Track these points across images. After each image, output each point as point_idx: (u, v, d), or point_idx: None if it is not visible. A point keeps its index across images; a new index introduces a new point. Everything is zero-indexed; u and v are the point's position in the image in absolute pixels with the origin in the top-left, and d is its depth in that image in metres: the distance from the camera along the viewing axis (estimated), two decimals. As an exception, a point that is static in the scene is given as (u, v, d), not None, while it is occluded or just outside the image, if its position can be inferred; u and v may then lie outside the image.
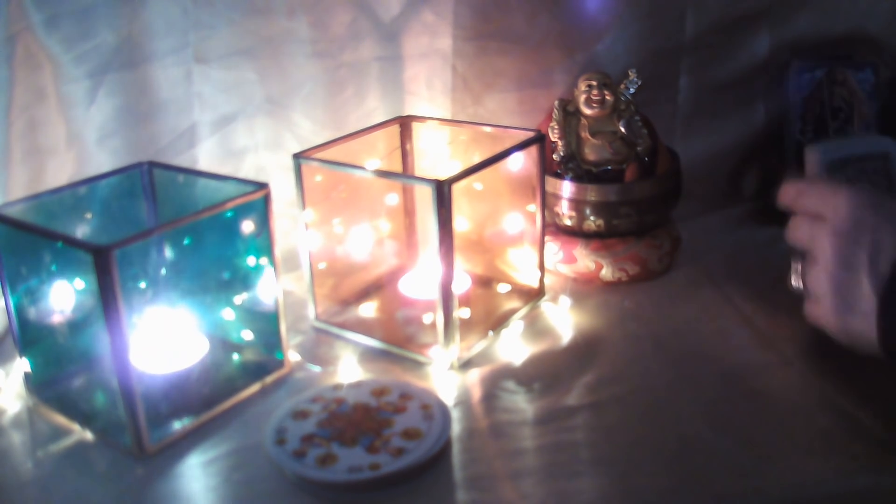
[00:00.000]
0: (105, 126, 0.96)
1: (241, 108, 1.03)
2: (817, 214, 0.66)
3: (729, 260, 1.02)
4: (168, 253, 0.82)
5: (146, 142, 0.99)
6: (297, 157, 0.85)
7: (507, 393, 0.78)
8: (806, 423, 0.71)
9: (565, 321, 0.90)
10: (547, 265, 0.96)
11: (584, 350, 0.84)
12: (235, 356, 0.84)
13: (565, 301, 0.94)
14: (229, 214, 0.76)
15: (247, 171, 1.06)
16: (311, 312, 0.91)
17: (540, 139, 0.88)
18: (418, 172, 0.99)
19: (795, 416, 0.72)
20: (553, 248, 0.99)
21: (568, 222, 0.98)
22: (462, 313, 0.86)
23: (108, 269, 0.64)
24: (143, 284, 0.82)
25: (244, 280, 0.81)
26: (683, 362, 0.81)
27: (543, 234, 0.92)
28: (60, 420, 0.75)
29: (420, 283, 0.94)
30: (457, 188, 0.77)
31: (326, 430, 0.70)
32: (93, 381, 0.79)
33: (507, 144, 0.87)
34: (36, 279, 0.74)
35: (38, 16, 0.89)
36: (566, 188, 0.97)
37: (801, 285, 0.70)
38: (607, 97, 0.97)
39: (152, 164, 0.84)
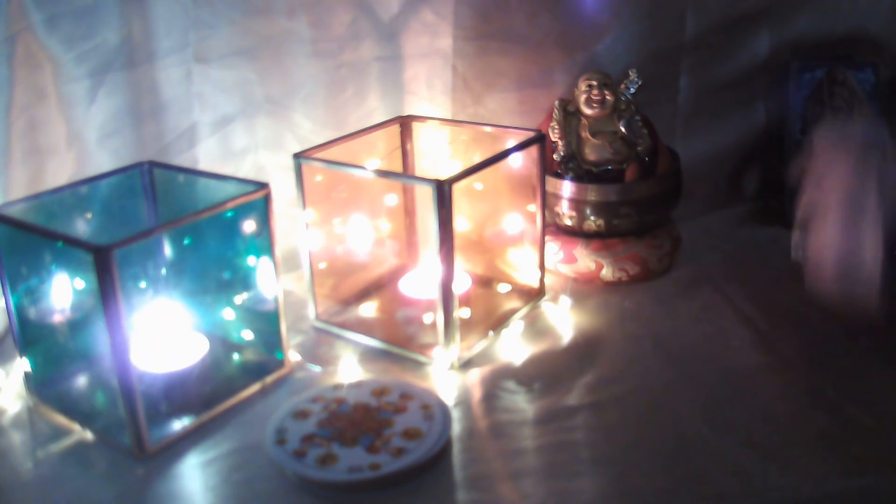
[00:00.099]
0: (105, 126, 0.96)
1: (242, 108, 1.03)
2: (823, 173, 0.66)
3: (729, 260, 1.02)
4: (168, 253, 0.82)
5: (146, 142, 0.99)
6: (298, 156, 0.85)
7: (507, 393, 0.78)
8: (806, 423, 0.71)
9: (565, 321, 0.90)
10: (547, 265, 0.96)
11: (584, 350, 0.84)
12: (235, 356, 0.84)
13: (565, 301, 0.94)
14: (229, 214, 0.76)
15: (247, 171, 1.06)
16: (311, 312, 0.91)
17: (540, 139, 0.88)
18: (418, 172, 0.99)
19: (795, 416, 0.72)
20: (553, 248, 0.99)
21: (568, 222, 0.98)
22: (462, 313, 0.86)
23: (108, 268, 0.64)
24: (143, 284, 0.82)
25: (244, 280, 0.81)
26: (683, 362, 0.81)
27: (544, 234, 0.92)
28: (60, 420, 0.75)
29: (420, 283, 0.94)
30: (457, 188, 0.77)
31: (327, 430, 0.70)
32: (93, 380, 0.79)
33: (508, 144, 0.87)
34: (36, 279, 0.74)
35: (39, 16, 0.89)
36: (566, 188, 0.97)
37: (801, 256, 0.70)
38: (607, 97, 0.97)
39: (152, 164, 0.84)
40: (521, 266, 0.96)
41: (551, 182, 0.97)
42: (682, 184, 1.01)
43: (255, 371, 0.81)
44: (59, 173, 0.95)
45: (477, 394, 0.78)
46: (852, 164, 0.63)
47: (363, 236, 0.96)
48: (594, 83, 0.98)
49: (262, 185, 0.76)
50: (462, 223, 0.97)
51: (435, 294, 0.80)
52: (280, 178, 1.03)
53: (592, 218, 0.96)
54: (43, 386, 0.79)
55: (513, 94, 1.09)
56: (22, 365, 0.78)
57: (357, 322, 0.91)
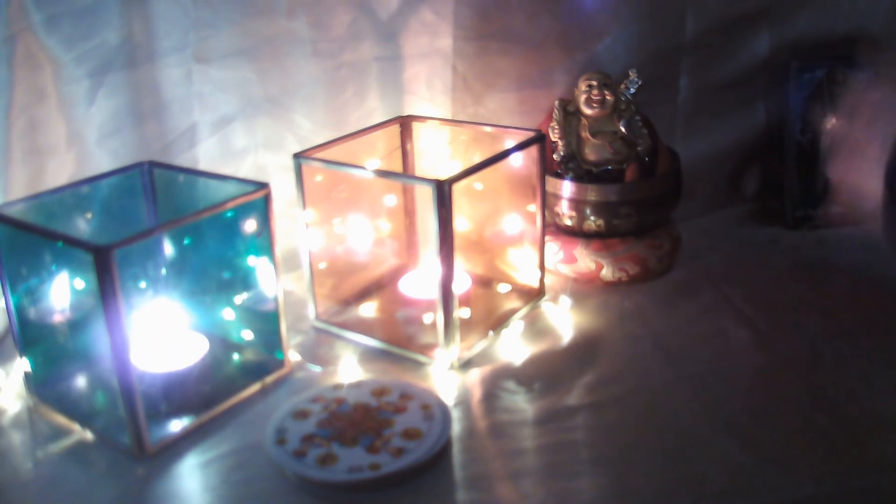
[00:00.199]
0: (105, 126, 0.96)
1: (241, 108, 1.03)
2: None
3: (729, 260, 1.02)
4: (168, 253, 0.82)
5: (146, 142, 0.99)
6: (298, 157, 0.85)
7: (507, 393, 0.78)
8: (805, 423, 0.71)
9: (565, 321, 0.90)
10: (547, 265, 0.96)
11: (583, 350, 0.84)
12: (235, 356, 0.84)
13: (565, 301, 0.94)
14: (229, 214, 0.76)
15: (247, 171, 1.06)
16: (311, 312, 0.91)
17: (540, 139, 0.88)
18: (418, 172, 0.99)
19: (795, 416, 0.72)
20: (553, 248, 0.99)
21: (568, 222, 0.98)
22: (462, 313, 0.86)
23: (108, 268, 0.64)
24: (143, 284, 0.82)
25: (244, 280, 0.81)
26: (683, 362, 0.81)
27: (544, 234, 0.92)
28: (60, 420, 0.75)
29: (420, 283, 0.94)
30: (457, 188, 0.77)
31: (326, 430, 0.70)
32: (93, 380, 0.79)
33: (508, 144, 0.87)
34: (36, 279, 0.74)
35: (38, 16, 0.89)
36: (566, 188, 0.97)
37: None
38: (607, 97, 0.97)
39: (152, 164, 0.84)
40: (521, 266, 0.96)
41: (551, 182, 0.97)
42: (681, 184, 1.01)
43: (255, 371, 0.81)
44: (59, 173, 0.95)
45: (477, 394, 0.78)
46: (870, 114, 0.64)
47: (363, 236, 0.96)
48: (594, 83, 0.98)
49: (262, 185, 0.76)
50: (462, 223, 0.97)
51: (435, 294, 0.80)
52: (280, 178, 1.03)
53: (592, 218, 0.96)
54: (43, 386, 0.79)
55: (513, 94, 1.09)
56: (22, 365, 0.78)
57: (357, 322, 0.91)
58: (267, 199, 0.76)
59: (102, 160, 0.96)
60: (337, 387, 0.77)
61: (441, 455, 0.68)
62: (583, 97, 0.98)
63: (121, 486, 0.67)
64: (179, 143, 1.01)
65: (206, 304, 0.84)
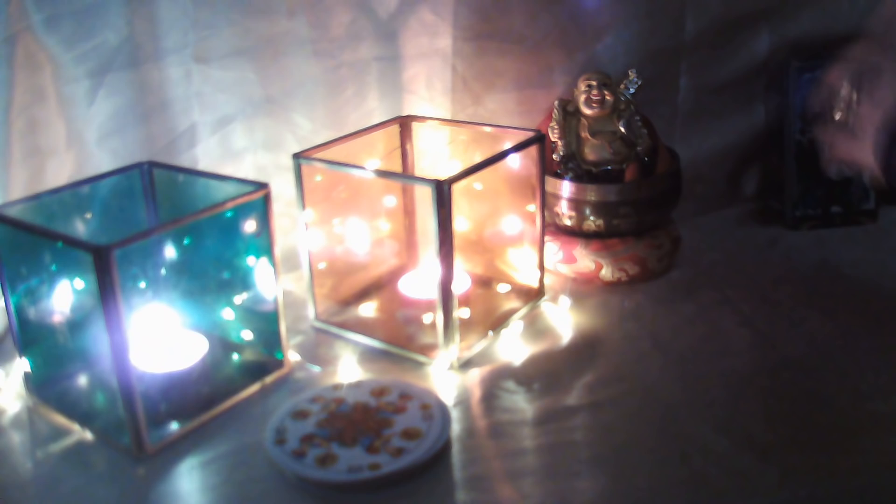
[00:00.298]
0: (105, 126, 0.96)
1: (241, 108, 1.03)
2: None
3: (729, 260, 1.02)
4: (168, 253, 0.82)
5: (146, 142, 0.99)
6: (297, 157, 0.85)
7: (507, 393, 0.78)
8: (805, 423, 0.71)
9: (565, 321, 0.90)
10: (547, 265, 0.96)
11: (583, 350, 0.84)
12: (235, 356, 0.84)
13: (565, 301, 0.94)
14: (229, 214, 0.76)
15: (247, 171, 1.06)
16: (310, 312, 0.91)
17: (540, 139, 0.88)
18: (418, 172, 0.99)
19: (795, 416, 0.72)
20: (553, 248, 0.99)
21: (568, 222, 0.98)
22: (462, 313, 0.86)
23: (107, 268, 0.64)
24: (142, 284, 0.82)
25: (244, 280, 0.81)
26: (683, 362, 0.81)
27: (543, 234, 0.92)
28: (60, 420, 0.75)
29: (420, 283, 0.94)
30: (457, 188, 0.77)
31: (326, 430, 0.70)
32: (92, 380, 0.79)
33: (507, 144, 0.87)
34: (36, 279, 0.74)
35: (38, 16, 0.89)
36: (566, 188, 0.97)
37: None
38: (607, 97, 0.97)
39: (152, 164, 0.84)
40: (521, 266, 0.96)
41: (551, 182, 0.97)
42: (681, 184, 1.01)
43: (255, 371, 0.81)
44: (59, 173, 0.95)
45: (476, 394, 0.78)
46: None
47: (363, 236, 0.96)
48: (594, 83, 0.97)
49: (262, 185, 0.76)
50: (462, 223, 0.97)
51: (435, 294, 0.80)
52: (280, 178, 1.03)
53: (592, 218, 0.96)
54: (43, 386, 0.79)
55: (512, 95, 1.08)
56: (22, 365, 0.78)
57: (357, 322, 0.91)
58: (266, 199, 0.76)
59: (102, 160, 0.96)
60: (336, 387, 0.77)
61: (440, 455, 0.68)
62: (582, 97, 0.98)
63: (121, 486, 0.67)
64: (179, 143, 1.01)
65: (205, 305, 0.84)
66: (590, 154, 0.98)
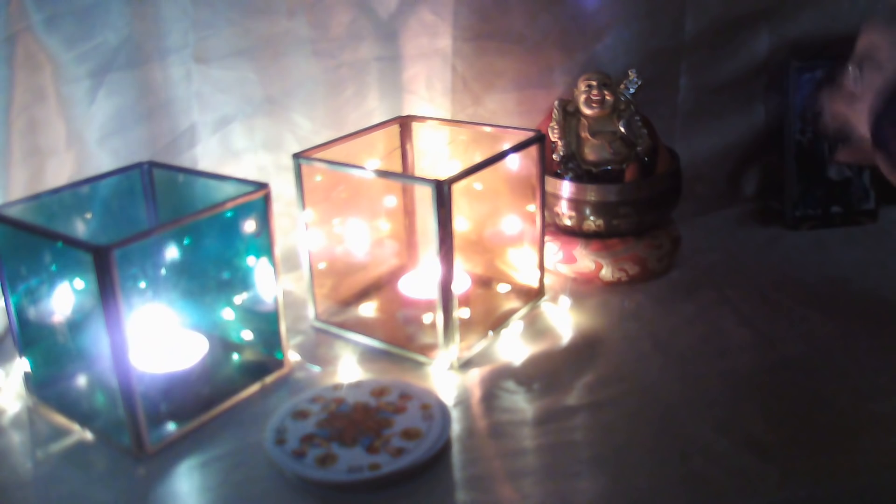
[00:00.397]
0: (105, 126, 0.96)
1: (241, 108, 1.03)
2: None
3: (729, 260, 1.02)
4: (168, 253, 0.82)
5: (146, 142, 0.99)
6: (297, 157, 0.85)
7: (507, 393, 0.78)
8: (805, 423, 0.71)
9: (565, 321, 0.90)
10: (547, 265, 0.96)
11: (583, 350, 0.84)
12: (235, 356, 0.84)
13: (565, 301, 0.93)
14: (229, 214, 0.76)
15: (247, 171, 1.06)
16: (310, 312, 0.91)
17: (540, 139, 0.88)
18: (418, 172, 0.99)
19: (795, 416, 0.72)
20: (553, 248, 0.99)
21: (568, 222, 0.98)
22: (462, 313, 0.86)
23: (107, 268, 0.64)
24: (142, 284, 0.82)
25: (244, 280, 0.81)
26: (683, 362, 0.81)
27: (543, 234, 0.92)
28: (60, 420, 0.75)
29: (420, 283, 0.94)
30: (457, 188, 0.77)
31: (326, 430, 0.70)
32: (92, 380, 0.79)
33: (507, 144, 0.87)
34: (36, 279, 0.74)
35: (38, 16, 0.89)
36: (566, 188, 0.97)
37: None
38: (607, 97, 0.97)
39: (152, 164, 0.84)
40: (521, 266, 0.96)
41: (551, 182, 0.97)
42: (681, 184, 1.01)
43: (255, 371, 0.81)
44: (59, 173, 0.95)
45: (476, 394, 0.78)
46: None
47: (363, 236, 0.96)
48: (594, 83, 0.98)
49: (262, 185, 0.76)
50: (462, 223, 0.97)
51: (434, 294, 0.80)
52: (280, 178, 1.03)
53: (592, 218, 0.96)
54: (43, 386, 0.79)
55: (512, 95, 1.09)
56: (22, 365, 0.78)
57: (357, 322, 0.91)
58: (266, 200, 0.76)
59: (102, 160, 0.96)
60: (336, 387, 0.77)
61: (441, 455, 0.68)
62: (582, 97, 0.98)
63: (121, 486, 0.67)
64: (179, 143, 1.01)
65: (205, 305, 0.84)
66: (590, 154, 0.98)
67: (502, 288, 0.97)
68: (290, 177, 0.86)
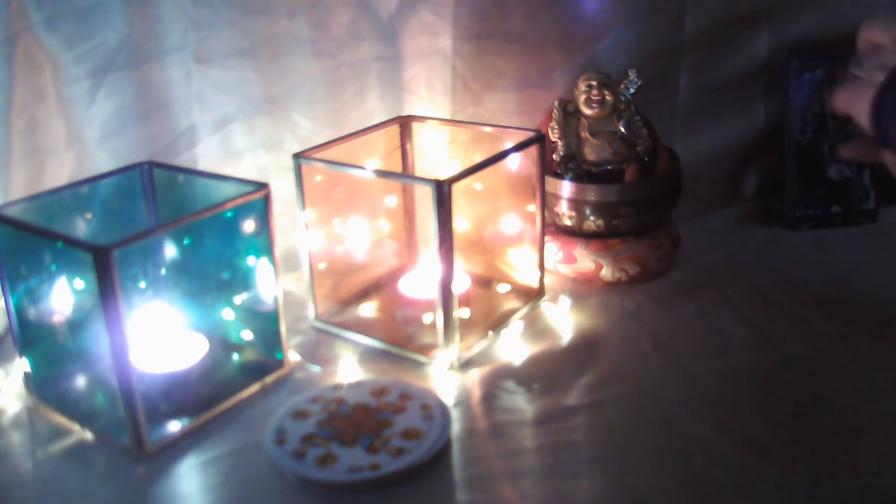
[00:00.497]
0: (105, 126, 0.96)
1: (241, 108, 1.03)
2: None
3: (729, 260, 1.02)
4: (168, 253, 0.82)
5: (146, 142, 0.99)
6: (297, 157, 0.85)
7: (507, 393, 0.78)
8: (805, 423, 0.71)
9: (565, 321, 0.90)
10: (547, 265, 0.96)
11: (583, 350, 0.84)
12: (235, 356, 0.84)
13: (565, 301, 0.93)
14: (229, 214, 0.76)
15: (247, 171, 1.06)
16: (311, 312, 0.91)
17: (540, 139, 0.88)
18: (418, 172, 0.99)
19: (795, 416, 0.72)
20: (553, 248, 0.99)
21: (568, 222, 0.98)
22: (462, 313, 0.86)
23: (107, 268, 0.64)
24: (142, 284, 0.82)
25: (244, 280, 0.81)
26: (683, 362, 0.81)
27: (543, 234, 0.92)
28: (60, 420, 0.75)
29: (420, 283, 0.93)
30: (457, 188, 0.77)
31: (326, 430, 0.70)
32: (93, 380, 0.79)
33: (507, 144, 0.87)
34: (36, 279, 0.74)
35: (38, 16, 0.89)
36: (566, 188, 0.97)
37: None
38: (607, 97, 0.97)
39: (152, 164, 0.84)
40: (521, 266, 0.96)
41: (551, 182, 0.97)
42: (681, 184, 1.01)
43: (255, 371, 0.81)
44: (59, 173, 0.95)
45: (476, 394, 0.78)
46: None
47: (363, 236, 0.96)
48: (594, 83, 0.98)
49: (262, 185, 0.76)
50: (462, 223, 0.97)
51: (435, 294, 0.80)
52: (280, 178, 1.03)
53: (592, 218, 0.96)
54: (43, 386, 0.79)
55: (512, 95, 1.09)
56: (22, 365, 0.78)
57: (357, 322, 0.91)
58: (266, 200, 0.76)
59: (102, 160, 0.96)
60: (336, 387, 0.77)
61: (441, 455, 0.68)
62: (582, 97, 0.98)
63: (121, 486, 0.67)
64: (179, 143, 1.01)
65: (205, 305, 0.84)
66: (590, 154, 0.98)
67: (502, 288, 0.97)
68: (290, 177, 0.86)
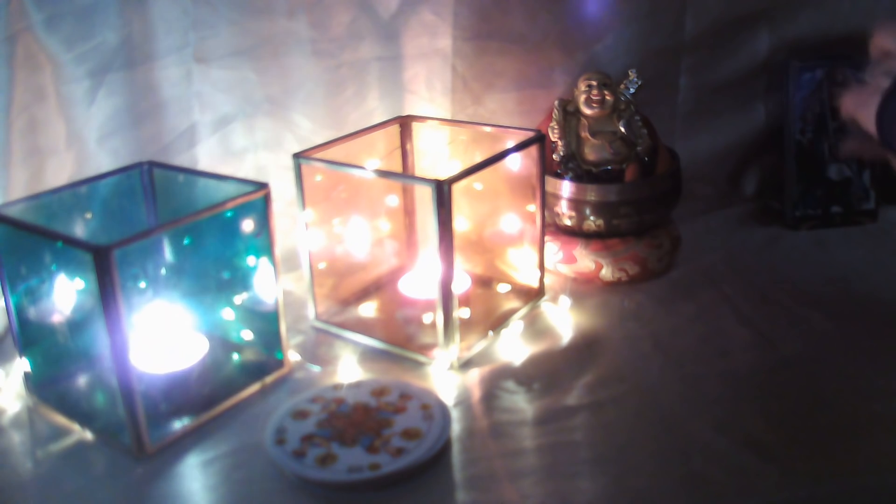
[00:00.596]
0: (105, 126, 0.96)
1: (241, 108, 1.03)
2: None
3: (729, 260, 1.02)
4: (168, 253, 0.82)
5: (146, 142, 0.99)
6: (297, 157, 0.85)
7: (507, 393, 0.78)
8: (805, 423, 0.71)
9: (565, 321, 0.90)
10: (547, 265, 0.96)
11: (583, 350, 0.84)
12: (235, 356, 0.84)
13: (565, 301, 0.93)
14: (229, 214, 0.76)
15: (247, 171, 1.06)
16: (311, 312, 0.91)
17: (540, 139, 0.88)
18: (418, 172, 0.99)
19: (795, 416, 0.72)
20: (553, 248, 0.99)
21: (568, 222, 0.98)
22: (462, 313, 0.86)
23: (107, 268, 0.64)
24: (143, 284, 0.82)
25: (244, 280, 0.81)
26: (683, 362, 0.81)
27: (543, 234, 0.92)
28: (60, 420, 0.75)
29: (420, 283, 0.94)
30: (457, 188, 0.77)
31: (326, 430, 0.70)
32: (93, 380, 0.79)
33: (507, 144, 0.87)
34: (36, 279, 0.74)
35: (38, 16, 0.89)
36: (566, 188, 0.97)
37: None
38: (607, 97, 0.97)
39: (152, 164, 0.84)
40: (521, 266, 0.96)
41: (551, 182, 0.97)
42: (681, 184, 1.01)
43: (255, 371, 0.81)
44: (59, 173, 0.95)
45: (476, 394, 0.78)
46: None
47: (363, 236, 0.96)
48: (594, 83, 0.98)
49: (262, 185, 0.76)
50: (462, 223, 0.97)
51: (434, 294, 0.80)
52: (280, 178, 1.03)
53: (592, 218, 0.96)
54: (43, 386, 0.79)
55: (512, 95, 1.09)
56: (22, 365, 0.78)
57: (357, 322, 0.91)
58: (266, 199, 0.76)
59: (102, 160, 0.96)
60: (336, 387, 0.77)
61: (441, 455, 0.68)
62: (582, 97, 0.98)
63: (121, 486, 0.67)
64: (179, 143, 1.01)
65: (205, 305, 0.84)
66: (590, 154, 0.98)
67: (502, 288, 0.97)
68: (290, 177, 0.86)
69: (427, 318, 0.87)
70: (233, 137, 1.04)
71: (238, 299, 0.82)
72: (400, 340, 0.86)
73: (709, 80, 1.14)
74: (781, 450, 0.68)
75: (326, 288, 0.92)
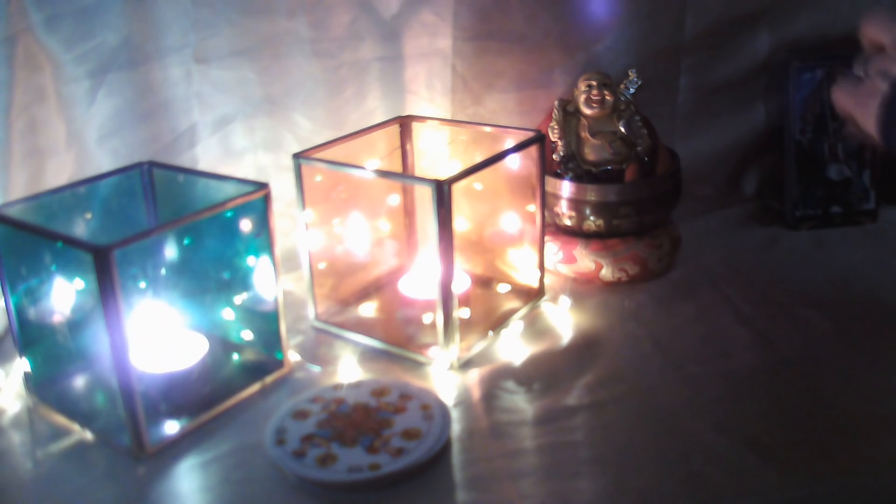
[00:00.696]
0: (105, 126, 0.96)
1: (241, 108, 1.03)
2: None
3: (729, 260, 1.02)
4: (168, 253, 0.82)
5: (146, 142, 0.99)
6: (297, 157, 0.85)
7: (507, 393, 0.78)
8: (806, 423, 0.71)
9: (565, 321, 0.90)
10: (547, 265, 0.96)
11: (583, 350, 0.84)
12: (235, 356, 0.84)
13: (565, 301, 0.93)
14: (229, 214, 0.76)
15: (246, 171, 1.06)
16: (310, 312, 0.91)
17: (540, 139, 0.88)
18: (418, 172, 0.99)
19: (795, 416, 0.72)
20: (553, 248, 0.99)
21: (568, 222, 0.98)
22: (462, 313, 0.86)
23: (107, 268, 0.64)
24: (142, 284, 0.82)
25: (244, 280, 0.81)
26: (683, 362, 0.81)
27: (543, 234, 0.92)
28: (60, 420, 0.75)
29: (420, 283, 0.93)
30: (457, 188, 0.77)
31: (326, 430, 0.70)
32: (93, 381, 0.79)
33: (507, 144, 0.87)
34: (36, 279, 0.74)
35: (38, 16, 0.89)
36: (566, 188, 0.97)
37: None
38: (607, 97, 0.97)
39: (152, 164, 0.84)
40: (521, 266, 0.96)
41: (551, 182, 0.97)
42: (681, 184, 1.01)
43: (255, 371, 0.81)
44: (59, 173, 0.95)
45: (476, 394, 0.78)
46: None
47: (363, 236, 0.96)
48: (594, 83, 0.98)
49: (262, 185, 0.76)
50: (462, 223, 0.97)
51: (434, 294, 0.80)
52: (280, 178, 1.03)
53: (592, 218, 0.96)
54: (43, 386, 0.79)
55: (512, 95, 1.09)
56: (22, 365, 0.78)
57: (357, 322, 0.91)
58: (266, 199, 0.76)
59: (102, 160, 0.96)
60: (336, 387, 0.77)
61: (441, 455, 0.68)
62: (582, 97, 0.98)
63: (121, 486, 0.67)
64: (179, 143, 1.01)
65: (205, 305, 0.84)
66: (590, 154, 0.98)
67: (502, 288, 0.97)
68: (290, 177, 0.86)
69: (427, 318, 0.87)
70: (233, 137, 1.04)
71: (238, 299, 0.82)
72: (400, 340, 0.86)
73: (709, 80, 1.14)
74: (781, 450, 0.68)
75: (326, 288, 0.92)
